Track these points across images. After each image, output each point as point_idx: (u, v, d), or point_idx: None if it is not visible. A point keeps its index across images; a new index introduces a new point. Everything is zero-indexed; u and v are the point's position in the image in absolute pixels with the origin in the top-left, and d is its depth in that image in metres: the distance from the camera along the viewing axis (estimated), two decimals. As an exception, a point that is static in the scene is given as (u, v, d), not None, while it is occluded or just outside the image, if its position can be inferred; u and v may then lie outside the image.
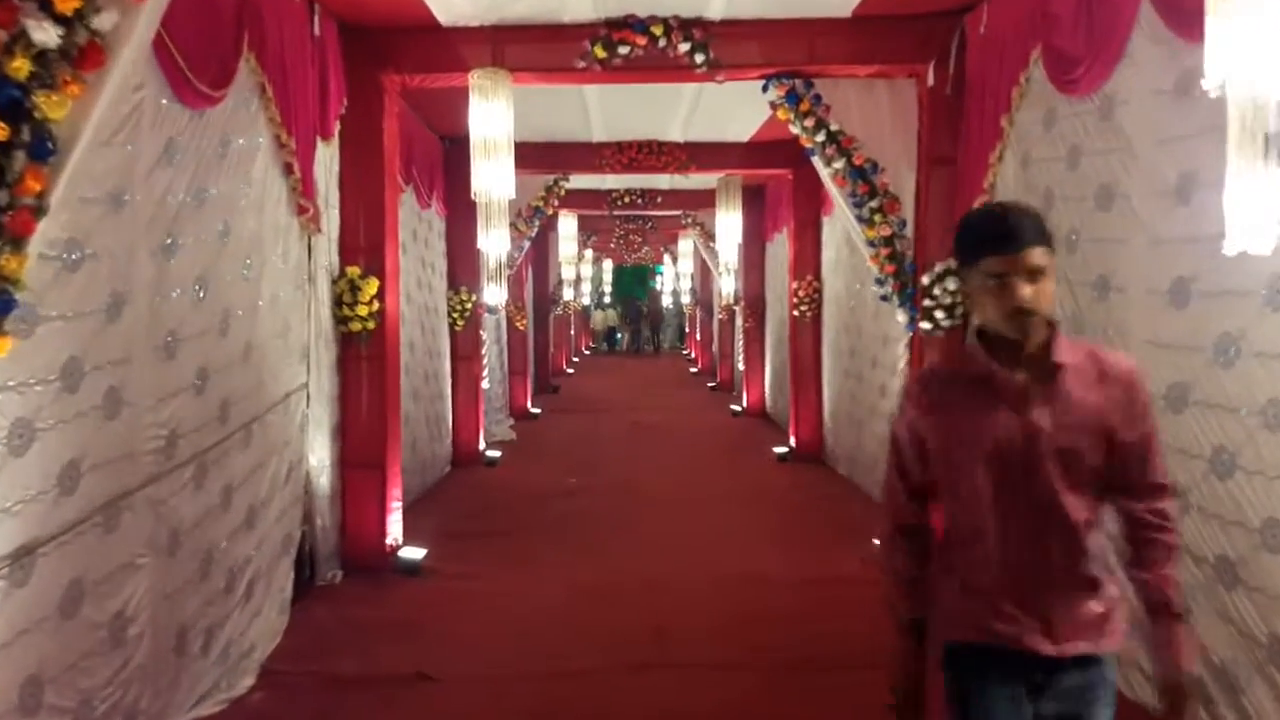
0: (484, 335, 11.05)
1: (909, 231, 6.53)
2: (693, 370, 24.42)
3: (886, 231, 6.47)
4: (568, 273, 17.24)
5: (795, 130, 6.66)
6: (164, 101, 4.03)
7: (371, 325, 6.36)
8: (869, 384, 8.59)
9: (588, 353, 32.25)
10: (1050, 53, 4.93)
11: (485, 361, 11.13)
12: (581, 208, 15.42)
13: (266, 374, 5.25)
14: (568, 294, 18.05)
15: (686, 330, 31.17)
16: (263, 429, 5.17)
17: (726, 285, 12.51)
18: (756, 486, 9.60)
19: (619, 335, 35.07)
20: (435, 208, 9.75)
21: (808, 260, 10.74)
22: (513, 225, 10.83)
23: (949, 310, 6.23)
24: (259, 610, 5.10)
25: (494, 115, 6.25)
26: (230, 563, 4.73)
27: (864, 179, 6.50)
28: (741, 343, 15.54)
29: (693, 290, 24.37)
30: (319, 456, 6.10)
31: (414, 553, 6.59)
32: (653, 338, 34.81)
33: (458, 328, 10.56)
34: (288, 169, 5.43)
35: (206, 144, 4.43)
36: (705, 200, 14.66)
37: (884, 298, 6.71)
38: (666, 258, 27.55)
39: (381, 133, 6.52)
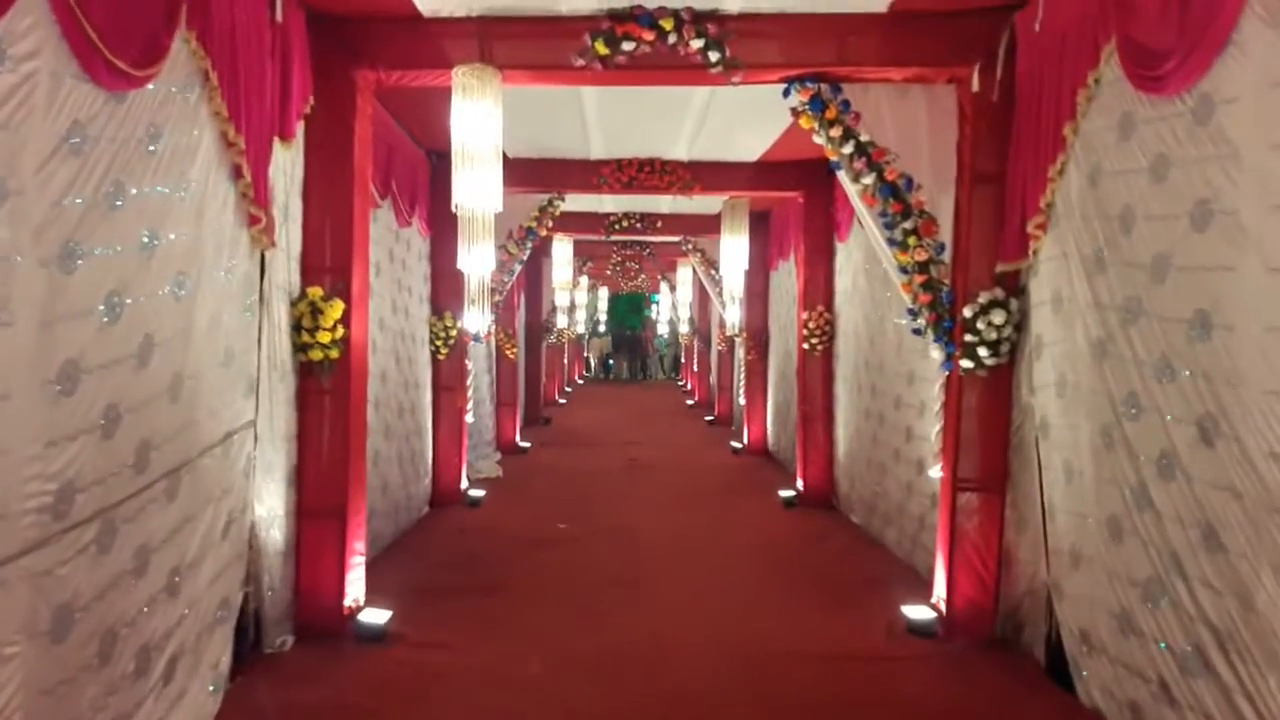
0: (469, 365, 10.25)
1: (947, 256, 5.78)
2: (689, 403, 23.63)
3: (922, 256, 5.71)
4: (561, 299, 16.46)
5: (819, 140, 5.91)
6: (68, 78, 3.26)
7: (335, 354, 5.56)
8: (892, 426, 7.81)
9: (581, 382, 31.45)
10: (1128, 47, 4.19)
11: (471, 393, 10.33)
12: (578, 231, 14.65)
13: (201, 411, 4.45)
14: (561, 321, 17.24)
15: (682, 360, 30.39)
16: (194, 477, 4.36)
17: (730, 315, 11.74)
18: (763, 536, 8.77)
19: (611, 364, 34.55)
20: (417, 226, 8.99)
21: (819, 289, 9.98)
22: (503, 248, 10.08)
23: (993, 347, 5.46)
24: (183, 692, 4.27)
25: (480, 118, 5.49)
26: (144, 639, 3.90)
27: (897, 197, 5.75)
28: (742, 376, 14.76)
29: (691, 320, 23.60)
30: (269, 506, 5.28)
31: (377, 616, 5.75)
32: (643, 367, 34.34)
33: (440, 356, 9.77)
34: (236, 172, 4.66)
35: (128, 135, 3.66)
36: (707, 225, 13.96)
37: (917, 331, 5.95)
38: (663, 286, 26.79)
39: (352, 137, 5.75)
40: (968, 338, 5.52)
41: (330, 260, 5.69)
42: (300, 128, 5.52)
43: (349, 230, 5.71)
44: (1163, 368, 3.87)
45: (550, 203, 10.12)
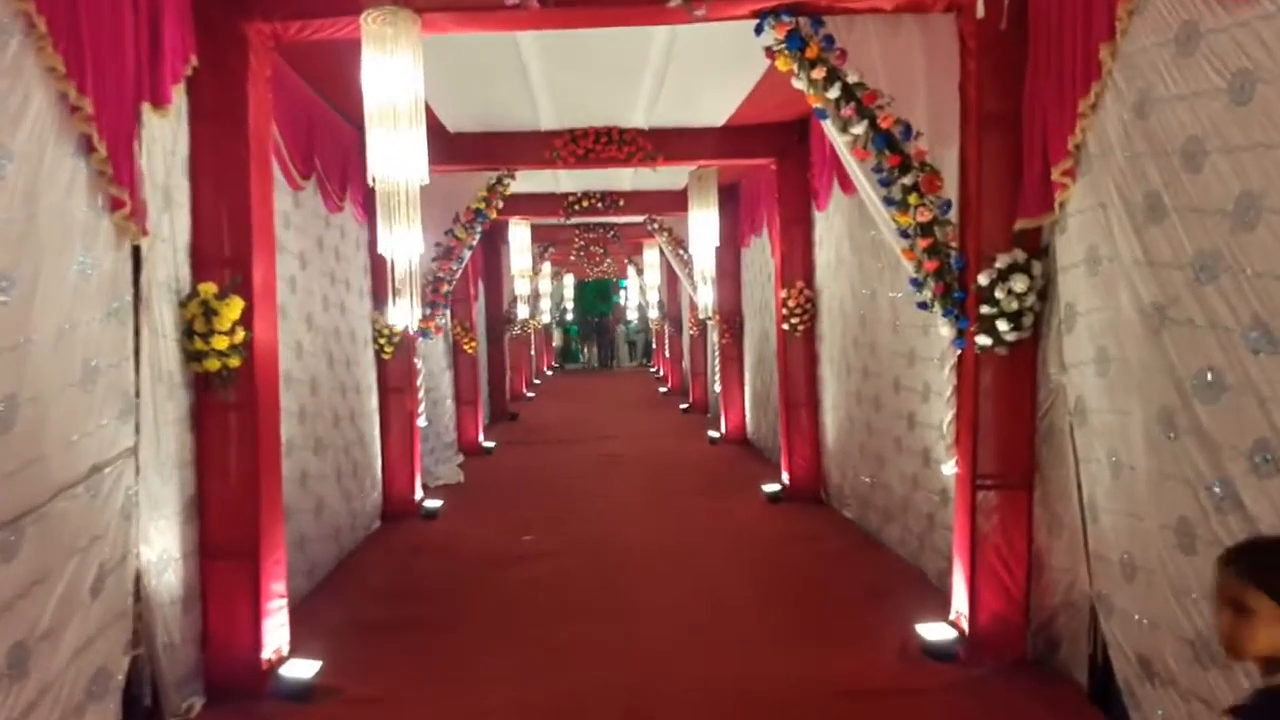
0: (419, 364, 9.33)
1: (954, 215, 4.95)
2: (662, 390, 22.78)
3: (925, 216, 4.87)
4: (521, 287, 15.53)
5: (800, 85, 5.06)
6: None
7: (235, 362, 4.65)
8: (891, 412, 6.98)
9: (550, 373, 30.55)
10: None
11: (423, 394, 9.42)
12: (534, 214, 13.74)
13: (51, 443, 3.55)
14: (522, 311, 16.34)
15: (654, 346, 29.59)
16: (44, 526, 3.47)
17: (702, 296, 10.87)
18: (750, 540, 7.95)
19: (580, 352, 33.92)
20: (351, 211, 8.06)
21: (797, 264, 9.14)
22: (449, 233, 9.17)
23: (1014, 319, 4.65)
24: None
25: (397, 73, 4.57)
26: (-31, 746, 3.01)
27: (893, 148, 4.91)
28: (717, 361, 13.93)
29: (660, 304, 22.75)
30: (160, 548, 4.37)
31: (302, 669, 4.87)
32: (611, 354, 33.75)
33: (386, 355, 8.85)
34: (85, 144, 3.75)
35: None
36: (673, 203, 13.11)
37: (923, 305, 5.11)
38: (631, 270, 25.92)
39: (246, 103, 4.82)
40: (983, 309, 4.70)
41: (228, 251, 4.77)
42: (181, 93, 4.60)
43: (247, 214, 4.79)
44: (1259, 336, 3.05)
45: (499, 181, 9.20)
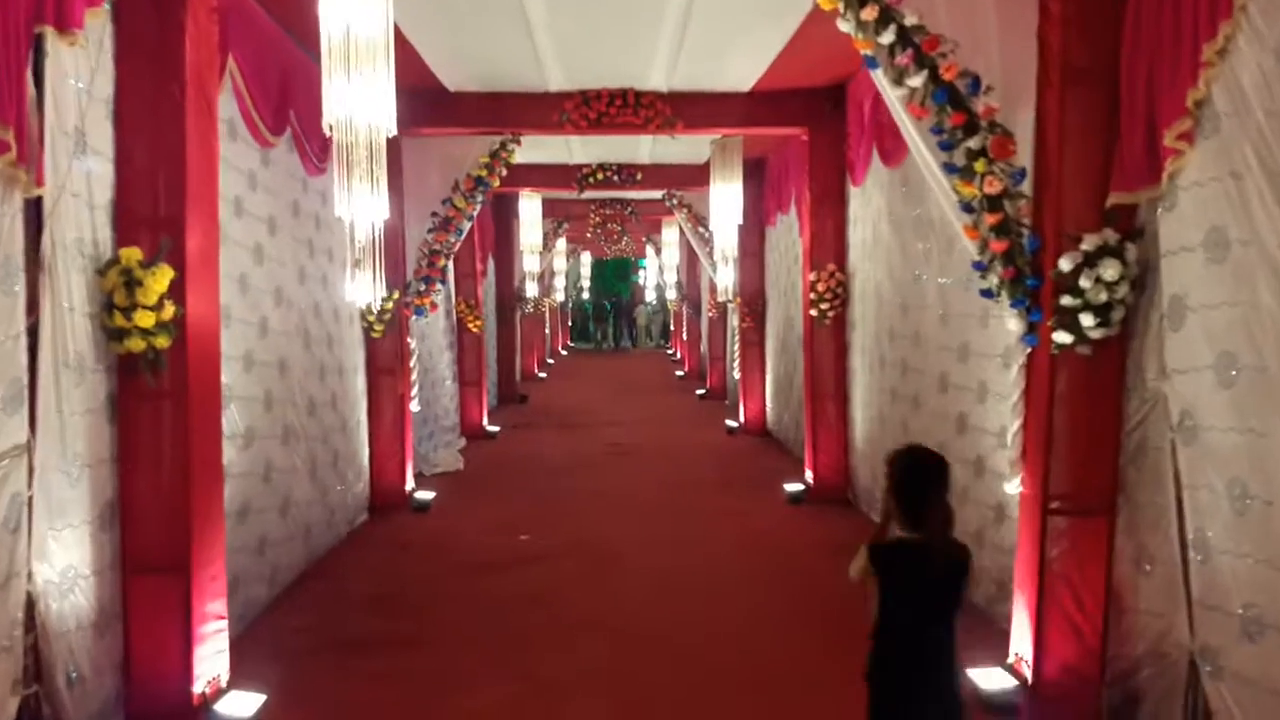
0: (412, 344, 8.57)
1: (1028, 187, 4.13)
2: (679, 374, 21.99)
3: (994, 187, 4.05)
4: (532, 265, 14.72)
5: (847, 28, 4.23)
6: None
7: (162, 341, 3.89)
8: (935, 413, 6.16)
9: (564, 353, 29.82)
10: None
11: (415, 376, 8.67)
12: (545, 186, 12.94)
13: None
14: (531, 290, 15.53)
15: (671, 328, 28.77)
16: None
17: (722, 277, 10.04)
18: (770, 548, 7.16)
19: (596, 334, 33.28)
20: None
21: (828, 244, 8.31)
22: (448, 203, 8.39)
23: (1102, 313, 3.83)
24: None
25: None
26: None
27: (957, 104, 4.09)
28: (737, 346, 13.12)
29: (678, 284, 21.93)
30: (63, 564, 3.63)
31: (241, 704, 4.14)
32: (630, 335, 33.07)
33: (375, 334, 8.10)
34: (-47, 68, 2.98)
35: None
36: (694, 177, 12.31)
37: (987, 292, 4.29)
38: (649, 249, 25.08)
39: (183, 35, 4.02)
40: (1064, 300, 3.88)
41: (159, 210, 4.01)
42: (103, 20, 3.83)
43: (181, 168, 4.02)
44: None
45: (503, 146, 8.41)
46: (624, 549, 7.10)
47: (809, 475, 8.61)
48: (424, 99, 8.04)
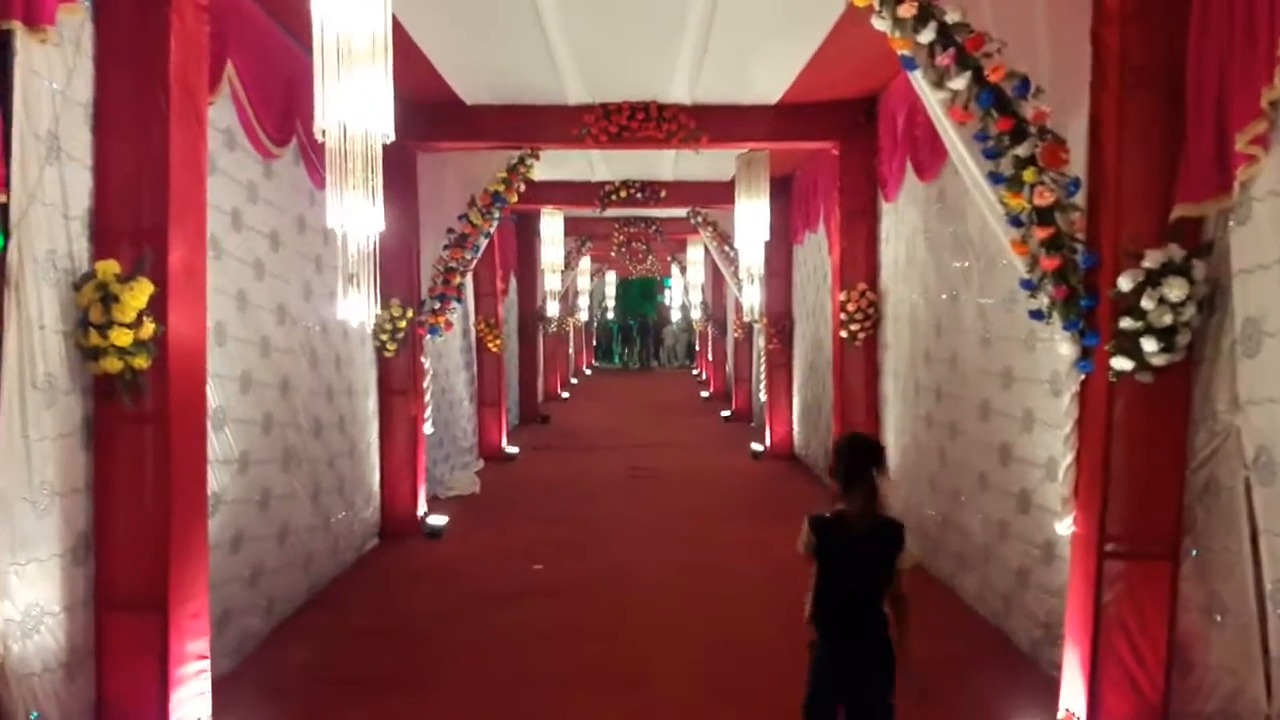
0: (426, 363, 8.30)
1: (1081, 199, 3.78)
2: (704, 395, 21.62)
3: (1045, 199, 3.70)
4: (553, 283, 14.44)
5: (882, 26, 3.91)
6: None
7: (141, 361, 3.62)
8: (975, 442, 5.78)
9: (589, 372, 29.54)
10: None
11: (429, 397, 8.38)
12: (567, 204, 12.68)
13: None
14: (553, 309, 15.26)
15: (697, 348, 28.42)
16: None
17: (748, 295, 9.70)
18: (801, 584, 6.77)
19: (621, 354, 33.11)
20: (348, 189, 7.05)
21: (859, 263, 7.97)
22: (464, 218, 8.12)
23: (1166, 337, 3.47)
24: None
25: (356, -5, 3.50)
26: None
27: (1004, 108, 3.75)
28: (763, 368, 12.77)
29: (703, 304, 21.61)
30: (26, 601, 3.35)
31: (222, 757, 3.83)
32: (655, 355, 32.81)
33: (388, 353, 7.83)
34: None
35: None
36: (719, 194, 12.01)
37: (1037, 314, 3.94)
38: (674, 269, 24.80)
39: (167, 36, 3.75)
40: (1124, 323, 3.52)
41: (139, 221, 3.74)
42: (82, 19, 3.59)
43: (164, 177, 3.74)
44: None
45: (521, 160, 8.14)
46: (644, 582, 6.75)
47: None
48: (440, 112, 7.81)
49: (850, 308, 7.87)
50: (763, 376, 12.76)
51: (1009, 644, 5.25)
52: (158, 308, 3.65)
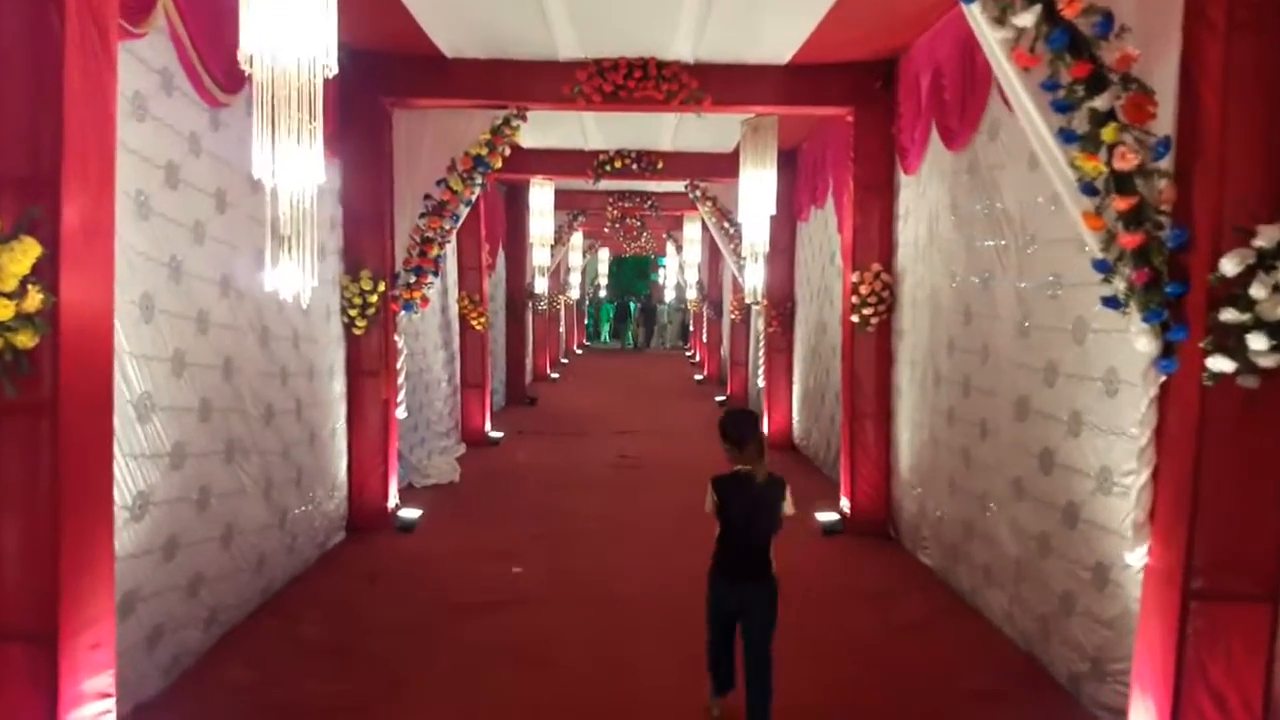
0: (400, 342, 7.62)
1: (1168, 163, 3.12)
2: (697, 378, 20.98)
3: (1127, 161, 3.05)
4: (542, 258, 13.75)
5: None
6: None
7: (25, 339, 2.94)
8: (1008, 443, 5.14)
9: (580, 352, 28.87)
10: None
11: (403, 378, 7.72)
12: (558, 174, 11.97)
13: None
14: (540, 286, 14.60)
15: (691, 329, 27.75)
16: None
17: (750, 275, 8.98)
18: (800, 592, 6.10)
19: (625, 329, 32.71)
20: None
21: (873, 242, 7.31)
22: (443, 184, 7.43)
23: (1278, 333, 2.82)
24: None
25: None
26: None
27: (1078, 50, 3.09)
28: (762, 353, 12.13)
29: (699, 284, 20.97)
30: None
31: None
32: (647, 336, 32.30)
33: (357, 330, 7.17)
34: None
35: None
36: (719, 166, 11.35)
37: (1112, 301, 3.28)
38: (670, 247, 24.12)
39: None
40: (1224, 314, 2.88)
41: (31, 168, 3.06)
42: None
43: (57, 114, 3.05)
44: None
45: (506, 122, 7.42)
46: (630, 589, 6.13)
47: (845, 503, 7.61)
48: (417, 66, 7.12)
49: (863, 290, 7.22)
50: (761, 361, 12.13)
51: (1044, 674, 4.64)
52: (48, 274, 2.98)
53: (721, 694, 4.17)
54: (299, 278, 3.14)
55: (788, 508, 3.98)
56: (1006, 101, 4.05)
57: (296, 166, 2.97)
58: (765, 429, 14.33)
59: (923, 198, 6.61)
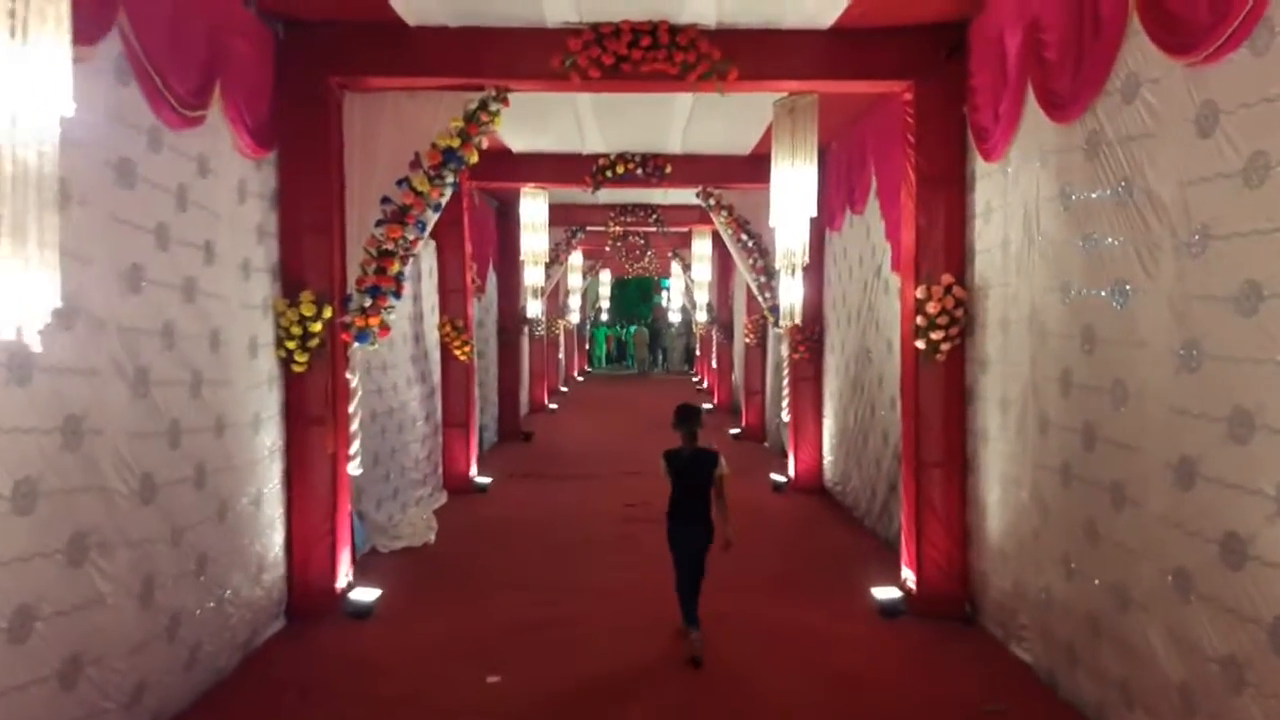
0: (352, 380, 6.15)
1: None
2: (707, 406, 19.44)
3: None
4: (534, 277, 12.28)
5: None
6: None
7: None
8: (1163, 518, 3.57)
9: (580, 379, 27.41)
10: None
11: (356, 424, 6.24)
12: (553, 181, 10.54)
13: None
14: (533, 309, 13.15)
15: (697, 353, 26.23)
16: None
17: (786, 293, 7.41)
18: (868, 707, 4.67)
19: (607, 357, 31.67)
20: (226, 133, 4.95)
21: (940, 248, 5.87)
22: (405, 184, 5.99)
23: None
24: None
25: None
26: None
27: None
28: (786, 382, 10.65)
29: (709, 305, 19.53)
30: None
31: None
32: (654, 358, 31.22)
33: (297, 367, 5.71)
34: None
35: None
36: (735, 171, 10.01)
37: None
38: (675, 266, 22.72)
39: None
40: None
41: None
42: None
43: None
44: None
45: (483, 105, 5.99)
46: (645, 708, 4.64)
47: (908, 576, 6.10)
48: (373, 38, 5.74)
49: (930, 309, 5.75)
50: (786, 393, 10.65)
51: None
52: None
53: (692, 626, 5.33)
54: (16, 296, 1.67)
55: (723, 469, 5.38)
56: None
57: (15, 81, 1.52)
58: (764, 429, 13.23)
59: (1013, 189, 5.15)
